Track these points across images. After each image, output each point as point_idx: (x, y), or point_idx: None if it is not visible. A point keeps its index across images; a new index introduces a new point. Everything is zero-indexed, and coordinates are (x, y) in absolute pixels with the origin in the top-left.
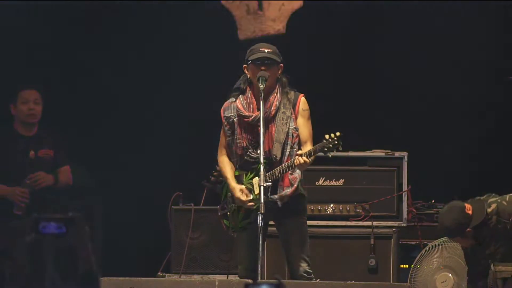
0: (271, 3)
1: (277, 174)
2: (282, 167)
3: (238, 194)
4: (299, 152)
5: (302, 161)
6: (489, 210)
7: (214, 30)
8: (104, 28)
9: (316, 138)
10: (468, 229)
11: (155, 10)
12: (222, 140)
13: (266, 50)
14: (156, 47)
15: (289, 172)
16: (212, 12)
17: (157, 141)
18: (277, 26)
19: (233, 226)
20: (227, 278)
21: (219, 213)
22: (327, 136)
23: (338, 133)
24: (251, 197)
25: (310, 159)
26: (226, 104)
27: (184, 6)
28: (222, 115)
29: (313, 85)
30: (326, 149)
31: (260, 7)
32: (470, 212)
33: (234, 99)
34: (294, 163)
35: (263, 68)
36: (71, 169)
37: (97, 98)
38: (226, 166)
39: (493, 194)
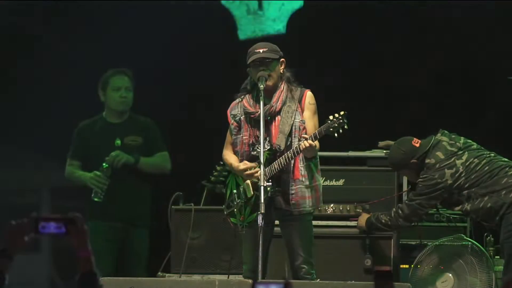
0: (271, 3)
1: (282, 163)
2: (288, 155)
3: (242, 167)
4: (304, 136)
5: (307, 144)
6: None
7: (214, 30)
8: (99, 27)
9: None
10: (412, 161)
11: (155, 10)
12: (229, 139)
13: (261, 50)
14: (155, 47)
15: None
16: (212, 12)
17: None
18: (277, 26)
19: (241, 222)
20: (228, 278)
21: (225, 212)
22: (331, 117)
23: (342, 112)
24: (256, 168)
25: (316, 142)
26: (233, 104)
27: (184, 6)
28: (229, 115)
29: (312, 85)
30: (331, 129)
31: (260, 7)
32: (417, 144)
33: (241, 99)
34: (300, 148)
35: (262, 68)
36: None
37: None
38: (231, 155)
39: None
